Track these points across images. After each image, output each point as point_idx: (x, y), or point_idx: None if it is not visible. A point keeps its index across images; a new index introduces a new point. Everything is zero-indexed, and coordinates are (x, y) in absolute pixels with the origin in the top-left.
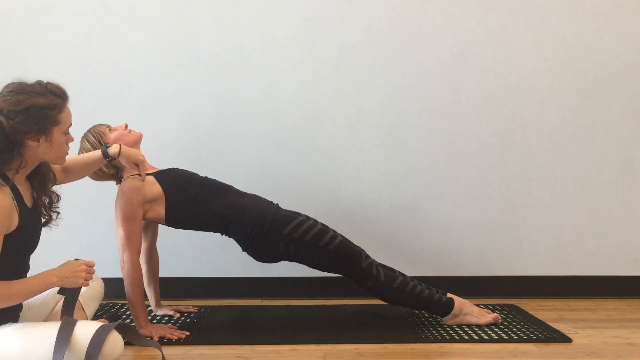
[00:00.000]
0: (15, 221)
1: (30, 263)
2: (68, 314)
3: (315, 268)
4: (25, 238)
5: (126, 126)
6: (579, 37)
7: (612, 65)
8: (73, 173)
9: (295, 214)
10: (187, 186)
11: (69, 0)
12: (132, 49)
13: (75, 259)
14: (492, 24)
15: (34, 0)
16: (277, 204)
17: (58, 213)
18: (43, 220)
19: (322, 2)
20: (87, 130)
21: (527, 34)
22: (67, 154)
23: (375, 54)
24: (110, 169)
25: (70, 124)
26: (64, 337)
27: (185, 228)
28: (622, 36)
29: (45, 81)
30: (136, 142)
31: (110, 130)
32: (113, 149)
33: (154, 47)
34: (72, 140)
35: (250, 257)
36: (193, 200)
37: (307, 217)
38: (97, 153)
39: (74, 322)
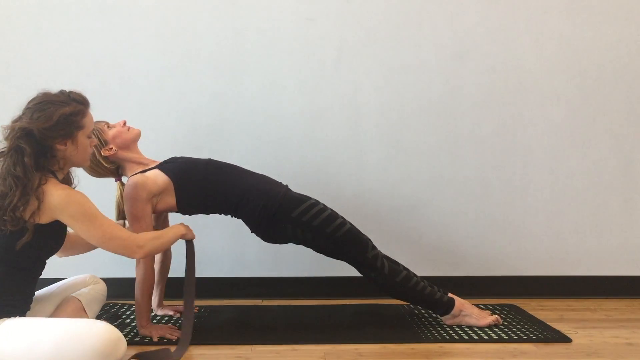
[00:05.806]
0: None
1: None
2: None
3: (320, 252)
4: (60, 234)
5: (124, 123)
6: (579, 37)
7: (612, 65)
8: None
9: (306, 197)
10: (193, 170)
11: (69, 0)
12: (132, 48)
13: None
14: (492, 24)
15: (34, 0)
16: (287, 185)
17: None
18: None
19: (322, 2)
20: None
21: (527, 34)
22: (90, 156)
23: (375, 54)
24: (110, 164)
25: (93, 128)
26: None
27: (197, 212)
28: (622, 36)
29: (67, 90)
30: (134, 140)
31: (108, 127)
32: None
33: (154, 46)
34: (95, 143)
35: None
36: (202, 181)
37: (317, 202)
38: None
39: None
